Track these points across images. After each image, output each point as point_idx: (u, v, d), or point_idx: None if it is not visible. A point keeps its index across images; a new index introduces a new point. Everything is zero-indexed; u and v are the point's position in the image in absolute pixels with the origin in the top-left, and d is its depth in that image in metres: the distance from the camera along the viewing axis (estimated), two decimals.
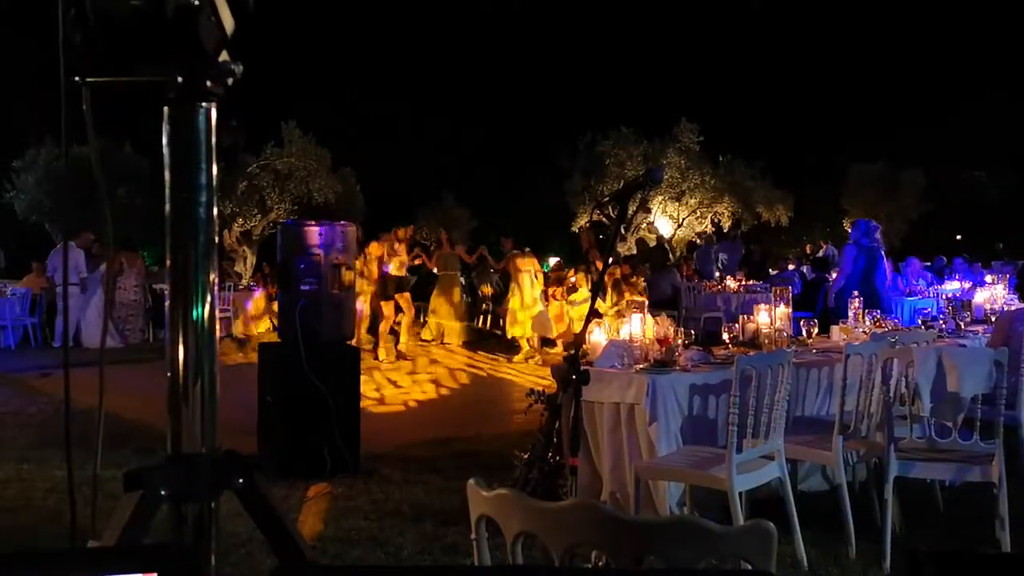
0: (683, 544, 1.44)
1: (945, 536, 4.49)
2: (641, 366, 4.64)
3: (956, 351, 4.52)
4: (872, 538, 4.21)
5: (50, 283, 13.77)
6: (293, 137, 23.14)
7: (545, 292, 12.54)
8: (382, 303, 12.07)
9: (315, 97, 31.68)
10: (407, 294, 12.64)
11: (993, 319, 7.00)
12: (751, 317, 5.62)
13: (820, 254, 17.75)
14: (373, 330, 12.27)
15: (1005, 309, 7.43)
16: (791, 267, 17.63)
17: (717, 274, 16.63)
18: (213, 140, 1.31)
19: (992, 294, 9.10)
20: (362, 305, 11.52)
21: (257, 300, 14.29)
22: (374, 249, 12.06)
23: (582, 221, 26.45)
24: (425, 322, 14.01)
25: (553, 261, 21.14)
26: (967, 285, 12.22)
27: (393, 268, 12.23)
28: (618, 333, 5.10)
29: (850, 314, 6.27)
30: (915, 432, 4.19)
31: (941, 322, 6.66)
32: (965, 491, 4.74)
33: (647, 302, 5.73)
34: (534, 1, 37.46)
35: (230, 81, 1.29)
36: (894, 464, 4.12)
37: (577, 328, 11.12)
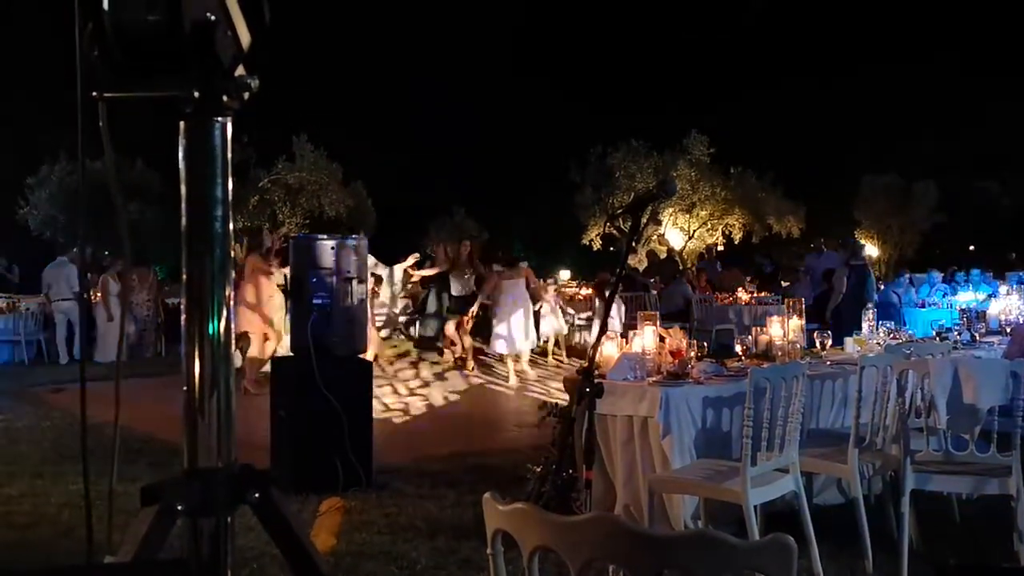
0: (702, 558, 1.43)
1: (962, 550, 4.44)
2: (654, 379, 4.63)
3: (973, 362, 4.48)
4: (889, 552, 4.17)
5: (46, 299, 13.87)
6: (304, 152, 23.29)
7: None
8: None
9: (326, 112, 31.86)
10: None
11: (1008, 330, 6.96)
12: (764, 329, 5.60)
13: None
14: None
15: (1021, 320, 7.38)
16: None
17: None
18: (229, 154, 1.31)
19: (1007, 305, 9.04)
20: None
21: None
22: None
23: (592, 234, 26.50)
24: None
25: (565, 275, 21.10)
26: (982, 296, 12.15)
27: None
28: (630, 346, 5.09)
29: (864, 326, 6.23)
30: (931, 444, 4.16)
31: (956, 333, 6.62)
32: (982, 504, 4.69)
33: (658, 314, 5.71)
34: (543, 15, 37.62)
35: (246, 95, 1.29)
36: (910, 477, 4.08)
37: None
